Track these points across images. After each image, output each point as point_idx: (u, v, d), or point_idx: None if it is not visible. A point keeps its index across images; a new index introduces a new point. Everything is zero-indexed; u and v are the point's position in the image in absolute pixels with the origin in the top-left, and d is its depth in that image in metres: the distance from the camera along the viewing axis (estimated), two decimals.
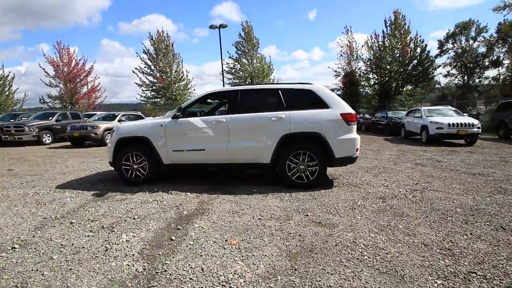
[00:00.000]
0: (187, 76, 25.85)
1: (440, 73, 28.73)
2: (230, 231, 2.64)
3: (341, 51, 25.03)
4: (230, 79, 24.94)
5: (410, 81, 23.73)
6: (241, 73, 24.78)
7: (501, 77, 38.73)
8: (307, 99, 4.23)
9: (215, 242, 2.40)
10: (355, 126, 4.14)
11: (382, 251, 2.20)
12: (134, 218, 3.01)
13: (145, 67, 24.72)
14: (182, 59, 25.52)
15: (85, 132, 11.21)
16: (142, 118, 14.81)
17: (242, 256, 2.14)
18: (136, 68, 24.77)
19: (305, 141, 4.10)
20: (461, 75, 44.09)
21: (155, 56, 24.81)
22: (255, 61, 25.04)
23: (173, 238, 2.50)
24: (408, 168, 5.65)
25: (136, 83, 25.04)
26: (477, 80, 41.53)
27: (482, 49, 43.61)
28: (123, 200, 3.73)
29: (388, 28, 23.59)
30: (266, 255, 2.15)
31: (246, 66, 24.37)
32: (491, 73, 41.84)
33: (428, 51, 23.67)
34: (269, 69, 24.45)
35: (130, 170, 4.52)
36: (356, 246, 2.29)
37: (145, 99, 25.67)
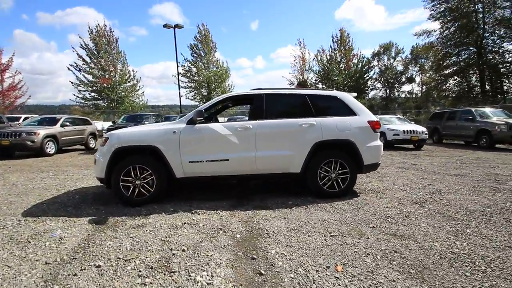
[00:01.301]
0: (134, 76, 23.50)
1: (368, 87, 32.67)
2: (317, 255, 2.29)
3: (294, 61, 26.37)
4: (185, 82, 23.66)
5: (355, 92, 26.47)
6: (196, 77, 23.75)
7: (414, 91, 46.75)
8: (334, 106, 4.15)
9: (317, 271, 2.03)
10: (379, 134, 4.22)
11: (486, 258, 2.18)
12: (183, 250, 2.38)
13: (83, 64, 21.53)
14: (126, 56, 23.05)
15: (18, 140, 8.96)
16: (89, 123, 12.72)
17: (371, 285, 1.84)
18: (72, 65, 21.38)
19: (336, 149, 3.99)
20: (384, 88, 51.70)
21: (95, 52, 21.85)
22: (211, 66, 24.36)
23: (262, 272, 2.03)
24: (398, 172, 6.09)
25: (72, 82, 21.58)
26: (396, 93, 49.60)
27: (400, 67, 52.10)
28: (141, 226, 2.96)
29: (335, 43, 25.89)
30: (392, 280, 1.90)
31: (203, 70, 23.49)
32: (407, 87, 50.23)
33: (369, 66, 26.73)
34: (226, 74, 24.08)
35: (131, 187, 3.67)
36: (459, 256, 2.23)
37: (83, 101, 22.27)
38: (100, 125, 20.24)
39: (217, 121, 5.06)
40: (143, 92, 23.47)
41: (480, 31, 25.75)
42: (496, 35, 25.74)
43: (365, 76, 26.23)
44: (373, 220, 3.07)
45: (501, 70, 25.73)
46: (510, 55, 25.42)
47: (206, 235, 2.72)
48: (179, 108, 21.51)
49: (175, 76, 22.24)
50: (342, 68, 25.95)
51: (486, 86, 26.55)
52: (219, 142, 3.78)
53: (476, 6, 25.67)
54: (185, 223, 3.04)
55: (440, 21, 27.47)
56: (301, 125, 3.89)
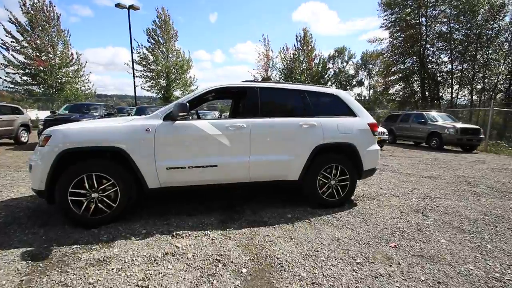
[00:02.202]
0: (78, 59, 20.47)
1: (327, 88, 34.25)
2: None
3: (258, 57, 26.00)
4: (141, 71, 21.47)
5: None
6: (154, 66, 21.73)
7: (363, 94, 50.66)
8: (333, 105, 3.73)
9: None
10: (376, 137, 3.95)
11: None
12: None
13: (12, 41, 17.91)
14: (70, 36, 19.92)
15: None
16: (20, 112, 10.42)
17: None
18: None
19: (337, 153, 3.58)
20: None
21: (29, 29, 18.38)
22: (171, 55, 22.53)
23: None
24: (376, 173, 6.05)
25: None
26: None
27: (352, 71, 56.07)
28: (103, 262, 2.12)
29: (299, 43, 26.22)
30: None
31: (161, 59, 21.57)
32: (357, 90, 54.38)
33: (329, 68, 27.75)
34: (188, 65, 22.52)
35: (85, 202, 2.74)
36: (507, 285, 1.96)
37: (13, 86, 18.61)
38: (35, 114, 17.15)
39: (198, 117, 4.25)
40: (88, 78, 20.56)
41: (423, 42, 28.66)
42: (435, 47, 28.95)
43: (325, 77, 27.18)
44: (389, 237, 2.73)
45: (438, 78, 29.06)
46: (446, 66, 28.84)
47: (201, 272, 2.03)
48: (130, 99, 19.47)
49: (127, 64, 20.12)
50: (305, 68, 26.45)
51: (426, 92, 29.77)
52: (206, 144, 3.05)
53: (420, 19, 28.44)
54: (167, 253, 2.28)
55: (390, 30, 29.93)
56: (301, 125, 3.38)
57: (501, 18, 25.09)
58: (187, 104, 2.94)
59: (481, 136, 11.65)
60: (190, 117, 3.36)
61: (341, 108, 3.72)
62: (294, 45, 25.99)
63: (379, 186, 4.84)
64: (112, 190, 2.82)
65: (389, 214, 3.39)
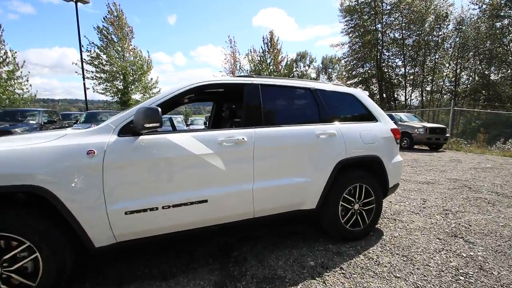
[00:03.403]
0: (13, 59, 17.30)
1: None
2: None
3: (225, 59, 24.97)
4: (92, 72, 18.98)
5: None
6: (108, 66, 19.39)
7: None
8: (350, 107, 2.94)
9: None
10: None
11: None
12: None
13: None
14: (3, 31, 16.75)
15: None
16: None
17: None
18: None
19: (360, 169, 2.78)
20: None
21: None
22: (127, 55, 20.34)
23: None
24: None
25: None
26: None
27: (314, 75, 58.05)
28: None
29: (266, 45, 25.81)
30: None
31: (117, 59, 19.32)
32: None
33: (294, 71, 27.84)
34: (148, 66, 20.52)
35: None
36: None
37: None
38: None
39: (173, 127, 3.09)
40: (27, 80, 17.46)
41: (379, 47, 30.36)
42: (390, 51, 30.88)
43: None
44: (456, 285, 1.97)
45: (394, 81, 30.97)
46: (400, 69, 30.86)
47: None
48: (82, 103, 17.02)
49: (75, 63, 17.50)
50: (272, 70, 26.10)
51: (384, 94, 31.54)
52: (190, 169, 2.00)
53: (376, 25, 30.12)
54: None
55: (350, 35, 31.26)
56: (318, 135, 2.50)
57: (445, 26, 27.60)
58: (159, 109, 1.85)
59: (447, 135, 12.11)
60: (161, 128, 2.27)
61: (359, 111, 2.95)
62: (261, 47, 25.50)
63: (386, 199, 4.20)
64: (29, 258, 1.62)
65: (427, 243, 2.67)
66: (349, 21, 30.82)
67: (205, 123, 18.46)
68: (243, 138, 2.16)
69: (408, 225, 3.20)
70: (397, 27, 29.69)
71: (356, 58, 32.18)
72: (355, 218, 2.72)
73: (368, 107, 2.98)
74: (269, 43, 25.80)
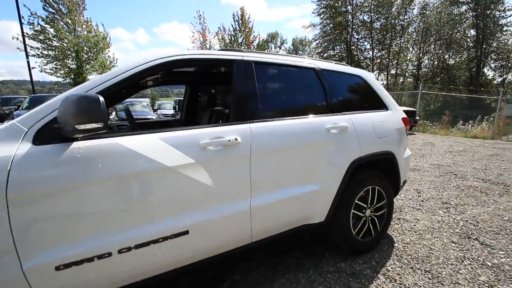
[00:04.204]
0: None
1: None
2: None
3: (193, 37, 23.16)
4: (38, 49, 16.36)
5: None
6: (56, 42, 16.83)
7: None
8: (359, 93, 2.41)
9: None
10: None
11: None
12: None
13: None
14: None
15: None
16: None
17: None
18: None
19: (372, 169, 2.31)
20: None
21: None
22: (79, 29, 17.79)
23: None
24: None
25: None
26: None
27: None
28: None
29: (236, 23, 24.37)
30: None
31: (67, 34, 16.78)
32: None
33: (268, 50, 26.98)
34: (105, 42, 18.16)
35: None
36: None
37: None
38: None
39: (131, 121, 2.25)
40: None
41: (349, 29, 30.49)
42: (360, 35, 31.19)
43: None
44: None
45: (363, 64, 31.57)
46: (368, 52, 31.45)
47: None
48: (30, 85, 14.66)
49: (17, 38, 14.83)
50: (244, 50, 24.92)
51: None
52: (159, 189, 1.33)
53: (347, 7, 30.01)
54: None
55: (321, 16, 30.85)
56: (328, 130, 1.94)
57: (410, 10, 28.32)
58: (100, 99, 1.12)
59: (417, 117, 12.46)
60: (110, 128, 1.55)
61: (368, 98, 2.44)
62: (232, 25, 24.05)
63: None
64: None
65: (445, 251, 2.35)
66: (321, 1, 30.25)
67: (174, 108, 17.05)
68: (235, 139, 1.52)
69: (414, 225, 2.87)
70: (366, 10, 29.85)
71: (327, 40, 32.07)
72: (367, 226, 2.28)
73: (378, 92, 2.48)
74: (240, 21, 24.42)
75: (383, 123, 2.31)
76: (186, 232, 1.39)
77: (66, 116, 1.06)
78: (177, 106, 16.75)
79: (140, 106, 13.07)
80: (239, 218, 1.57)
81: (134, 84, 1.56)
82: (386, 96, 2.54)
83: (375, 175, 2.26)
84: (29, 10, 16.40)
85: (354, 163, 2.04)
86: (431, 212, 3.23)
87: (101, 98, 1.09)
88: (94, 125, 1.07)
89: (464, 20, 26.21)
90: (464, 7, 26.01)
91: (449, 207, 3.37)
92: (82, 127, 1.06)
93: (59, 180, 1.11)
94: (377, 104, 2.46)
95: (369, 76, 2.52)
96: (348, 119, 2.08)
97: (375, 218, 2.34)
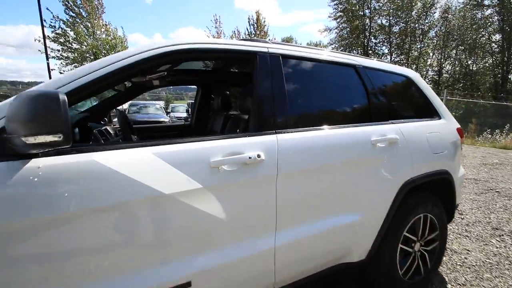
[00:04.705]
0: None
1: None
2: None
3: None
4: (58, 51, 16.74)
5: None
6: (76, 44, 17.18)
7: None
8: (407, 96, 1.98)
9: None
10: None
11: None
12: None
13: None
14: None
15: None
16: None
17: None
18: None
19: (425, 192, 1.85)
20: None
21: None
22: (98, 32, 18.10)
23: None
24: None
25: None
26: None
27: None
28: None
29: (252, 26, 24.24)
30: None
31: (86, 37, 17.11)
32: None
33: None
34: (122, 45, 18.38)
35: None
36: None
37: None
38: None
39: (126, 129, 1.89)
40: None
41: (367, 33, 29.76)
42: (378, 39, 30.38)
43: None
44: None
45: None
46: (386, 57, 30.54)
47: None
48: None
49: (39, 40, 15.19)
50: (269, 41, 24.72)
51: None
52: (151, 228, 0.95)
53: (364, 11, 29.38)
54: None
55: (338, 20, 30.28)
56: (375, 143, 1.51)
57: (431, 14, 27.32)
58: (61, 99, 0.73)
59: None
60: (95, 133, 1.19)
61: (418, 103, 2.00)
62: (247, 29, 23.93)
63: None
64: None
65: None
66: (338, 5, 29.75)
67: (187, 111, 16.92)
68: (258, 156, 1.12)
69: (466, 258, 2.37)
70: (385, 13, 29.10)
71: (343, 45, 31.43)
72: (416, 263, 1.82)
73: (429, 96, 2.03)
74: (255, 24, 24.28)
75: (438, 135, 1.86)
76: (188, 285, 1.00)
77: (14, 123, 0.71)
78: (189, 109, 16.63)
79: (154, 108, 12.97)
80: (259, 262, 1.17)
81: (124, 79, 1.21)
82: (437, 101, 2.08)
83: (428, 200, 1.81)
84: (51, 13, 16.82)
85: (406, 185, 1.60)
86: (482, 241, 2.71)
87: (62, 97, 0.72)
88: (48, 138, 0.71)
89: (489, 24, 24.94)
90: (489, 11, 24.77)
91: (502, 235, 2.83)
92: (31, 140, 0.69)
93: (5, 219, 0.75)
94: (428, 111, 2.01)
95: (418, 77, 2.07)
96: (397, 129, 1.65)
97: (426, 253, 1.88)
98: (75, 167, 0.84)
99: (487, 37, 25.30)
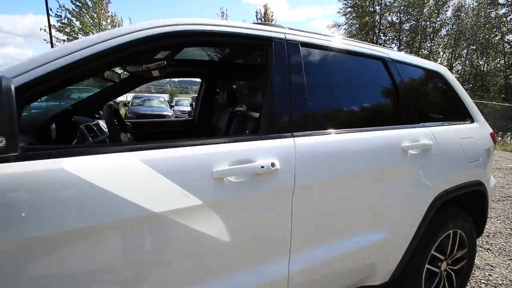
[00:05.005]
0: None
1: None
2: None
3: None
4: (64, 41, 16.59)
5: None
6: (81, 35, 17.02)
7: None
8: (437, 95, 1.75)
9: None
10: None
11: None
12: None
13: None
14: None
15: None
16: None
17: None
18: None
19: (456, 206, 1.63)
20: None
21: None
22: (104, 23, 17.93)
23: None
24: None
25: None
26: None
27: None
28: None
29: (259, 20, 23.84)
30: None
31: (91, 27, 16.93)
32: None
33: None
34: None
35: None
36: None
37: None
38: None
39: (112, 129, 1.66)
40: None
41: (376, 30, 29.13)
42: (387, 36, 29.73)
43: None
44: None
45: None
46: None
47: None
48: None
49: (44, 30, 15.04)
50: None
51: None
52: (135, 255, 0.75)
53: (375, 7, 28.74)
54: None
55: (347, 16, 29.63)
56: (406, 150, 1.29)
57: (443, 12, 26.60)
58: (3, 84, 0.53)
59: None
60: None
61: (450, 103, 1.77)
62: (254, 22, 23.58)
63: None
64: None
65: None
66: (348, 0, 29.11)
67: (191, 105, 16.68)
68: (272, 164, 0.91)
69: (490, 275, 2.15)
70: (395, 10, 28.45)
71: None
72: (442, 285, 1.61)
73: (461, 96, 1.79)
74: (263, 18, 23.90)
75: (472, 141, 1.63)
76: None
77: None
78: (194, 103, 16.39)
79: (157, 101, 12.78)
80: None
81: (105, 66, 1.01)
82: (470, 102, 1.85)
83: (459, 215, 1.59)
84: (58, 2, 16.64)
85: (438, 199, 1.38)
86: (505, 255, 2.49)
87: (5, 84, 0.52)
88: None
89: (503, 23, 24.19)
90: (504, 9, 24.00)
91: None
92: None
93: None
94: (460, 113, 1.78)
95: (449, 74, 1.83)
96: (430, 134, 1.43)
97: (452, 273, 1.66)
98: (35, 176, 0.64)
99: (500, 37, 24.59)
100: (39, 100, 9.17)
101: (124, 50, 0.83)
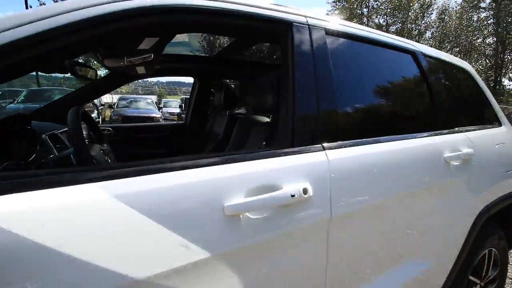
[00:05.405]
0: None
1: None
2: None
3: None
4: None
5: None
6: None
7: None
8: (465, 96, 1.55)
9: None
10: None
11: None
12: None
13: None
14: None
15: None
16: None
17: None
18: None
19: (494, 222, 1.43)
20: None
21: None
22: None
23: None
24: None
25: None
26: None
27: None
28: None
29: None
30: None
31: None
32: None
33: None
34: None
35: None
36: None
37: None
38: None
39: (91, 133, 1.36)
40: None
41: None
42: None
43: None
44: None
45: None
46: None
47: None
48: (41, 78, 13.84)
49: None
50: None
51: None
52: None
53: (362, 10, 29.27)
54: None
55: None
56: (448, 162, 1.06)
57: (428, 15, 27.35)
58: None
59: None
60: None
61: (478, 105, 1.57)
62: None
63: None
64: None
65: None
66: (336, 2, 29.50)
67: (180, 107, 16.11)
68: (304, 191, 0.66)
69: None
70: (382, 13, 29.05)
71: None
72: None
73: (488, 97, 1.61)
74: None
75: (505, 148, 1.44)
76: None
77: None
78: (183, 105, 15.83)
79: (145, 103, 12.28)
80: None
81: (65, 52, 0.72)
82: (495, 103, 1.67)
83: (495, 231, 1.39)
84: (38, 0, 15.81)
85: (481, 216, 1.18)
86: None
87: None
88: None
89: (484, 26, 25.08)
90: (485, 13, 24.90)
91: None
92: None
93: None
94: (488, 115, 1.59)
95: (474, 71, 1.65)
96: (468, 140, 1.22)
97: None
98: None
99: (481, 39, 25.50)
100: (15, 102, 8.48)
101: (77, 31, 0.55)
